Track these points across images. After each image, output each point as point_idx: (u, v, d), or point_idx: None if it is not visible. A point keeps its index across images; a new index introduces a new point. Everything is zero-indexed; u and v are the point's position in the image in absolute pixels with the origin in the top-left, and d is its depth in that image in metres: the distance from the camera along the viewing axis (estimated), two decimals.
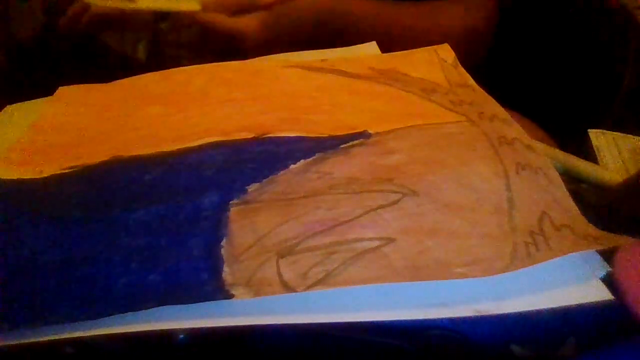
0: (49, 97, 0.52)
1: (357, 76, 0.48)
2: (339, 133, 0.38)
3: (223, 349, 0.30)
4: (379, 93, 0.45)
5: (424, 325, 0.28)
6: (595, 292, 0.28)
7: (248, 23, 0.66)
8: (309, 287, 0.28)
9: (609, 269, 0.29)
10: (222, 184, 0.35)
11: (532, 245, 0.29)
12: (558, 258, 0.29)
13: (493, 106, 0.42)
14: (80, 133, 0.45)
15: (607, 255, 0.29)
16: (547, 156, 0.37)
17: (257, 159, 0.37)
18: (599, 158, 0.42)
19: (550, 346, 0.28)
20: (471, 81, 0.46)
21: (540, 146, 0.38)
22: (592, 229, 0.31)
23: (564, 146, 0.44)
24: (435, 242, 0.30)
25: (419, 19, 0.65)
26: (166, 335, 0.28)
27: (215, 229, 0.32)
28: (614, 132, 0.44)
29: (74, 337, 0.28)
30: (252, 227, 0.32)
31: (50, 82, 0.53)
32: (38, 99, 0.54)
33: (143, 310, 0.28)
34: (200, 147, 0.38)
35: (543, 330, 0.29)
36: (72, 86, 0.54)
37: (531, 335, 0.29)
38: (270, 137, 0.39)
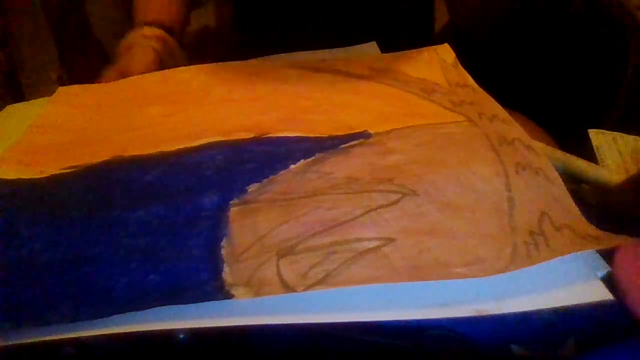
0: (49, 97, 0.52)
1: (357, 76, 0.48)
2: (339, 133, 0.38)
3: (223, 349, 0.30)
4: (379, 93, 0.45)
5: (424, 325, 0.28)
6: (595, 292, 0.28)
7: None
8: (309, 287, 0.28)
9: (609, 269, 0.29)
10: (222, 184, 0.35)
11: (532, 245, 0.29)
12: (558, 258, 0.29)
13: (493, 106, 0.42)
14: (80, 133, 0.45)
15: (607, 255, 0.29)
16: (547, 156, 0.37)
17: (257, 159, 0.37)
18: (599, 158, 0.42)
19: (550, 346, 0.28)
20: (471, 81, 0.46)
21: (540, 146, 0.38)
22: (592, 229, 0.31)
23: (564, 146, 0.44)
24: (435, 242, 0.30)
25: None
26: (166, 335, 0.28)
27: (215, 229, 0.32)
28: (614, 132, 0.44)
29: (74, 337, 0.28)
30: (252, 227, 0.32)
31: None
32: (38, 99, 0.54)
33: (143, 310, 0.28)
34: (200, 147, 0.38)
35: (543, 330, 0.29)
36: (72, 86, 0.54)
37: (531, 335, 0.29)
38: (270, 137, 0.39)
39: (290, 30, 0.70)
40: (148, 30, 0.56)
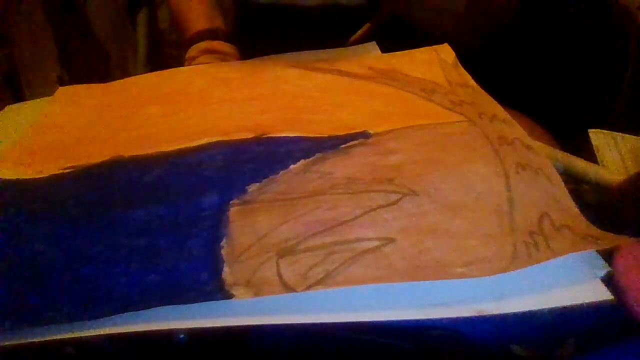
0: (49, 97, 0.52)
1: (357, 76, 0.48)
2: (339, 133, 0.38)
3: (223, 349, 0.30)
4: (379, 93, 0.45)
5: (424, 325, 0.28)
6: (595, 292, 0.28)
7: None
8: (308, 287, 0.28)
9: (609, 269, 0.29)
10: (222, 184, 0.35)
11: (532, 245, 0.29)
12: (558, 258, 0.29)
13: (493, 106, 0.42)
14: (80, 133, 0.45)
15: (607, 255, 0.29)
16: (547, 156, 0.37)
17: (257, 159, 0.37)
18: (599, 158, 0.42)
19: (550, 346, 0.28)
20: (471, 81, 0.46)
21: (540, 146, 0.38)
22: (592, 229, 0.31)
23: (564, 146, 0.44)
24: (435, 242, 0.30)
25: None
26: (166, 335, 0.28)
27: (215, 229, 0.32)
28: (614, 132, 0.44)
29: (74, 337, 0.28)
30: (252, 227, 0.32)
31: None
32: (38, 99, 0.54)
33: (143, 310, 0.28)
34: (200, 147, 0.38)
35: (543, 330, 0.29)
36: (71, 86, 0.54)
37: (531, 335, 0.29)
38: (270, 137, 0.39)
39: (292, 31, 0.70)
40: (194, 51, 0.58)
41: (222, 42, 0.58)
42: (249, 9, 0.72)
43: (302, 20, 0.66)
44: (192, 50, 0.57)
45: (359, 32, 0.59)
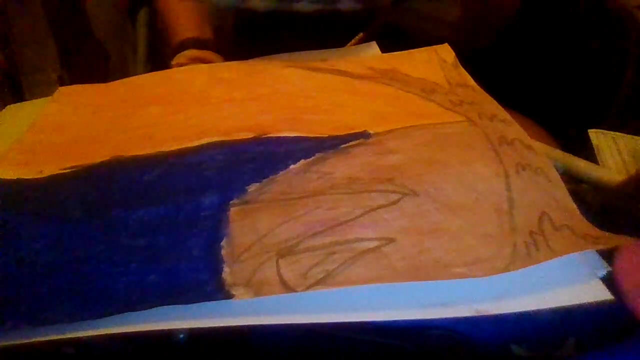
0: (49, 97, 0.52)
1: (357, 76, 0.48)
2: (339, 133, 0.38)
3: (223, 349, 0.30)
4: (379, 93, 0.45)
5: (424, 325, 0.28)
6: (595, 292, 0.28)
7: None
8: (309, 287, 0.28)
9: (609, 269, 0.29)
10: (222, 184, 0.35)
11: (532, 245, 0.30)
12: (558, 258, 0.29)
13: (493, 106, 0.42)
14: (80, 133, 0.45)
15: (607, 255, 0.29)
16: (547, 156, 0.37)
17: (257, 159, 0.37)
18: (599, 158, 0.42)
19: (550, 346, 0.28)
20: (471, 81, 0.46)
21: (540, 146, 0.38)
22: (592, 229, 0.31)
23: (564, 146, 0.44)
24: (435, 242, 0.30)
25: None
26: (166, 335, 0.28)
27: (215, 229, 0.32)
28: (614, 132, 0.44)
29: (74, 337, 0.28)
30: (252, 227, 0.32)
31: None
32: (38, 99, 0.54)
33: (143, 310, 0.28)
34: (200, 147, 0.38)
35: (543, 330, 0.29)
36: (72, 86, 0.54)
37: (531, 335, 0.29)
38: (270, 137, 0.39)
39: (290, 37, 0.70)
40: (182, 58, 0.58)
41: (210, 52, 0.58)
42: (247, 15, 0.72)
43: (300, 27, 0.66)
44: (180, 57, 0.57)
45: (352, 41, 0.59)
